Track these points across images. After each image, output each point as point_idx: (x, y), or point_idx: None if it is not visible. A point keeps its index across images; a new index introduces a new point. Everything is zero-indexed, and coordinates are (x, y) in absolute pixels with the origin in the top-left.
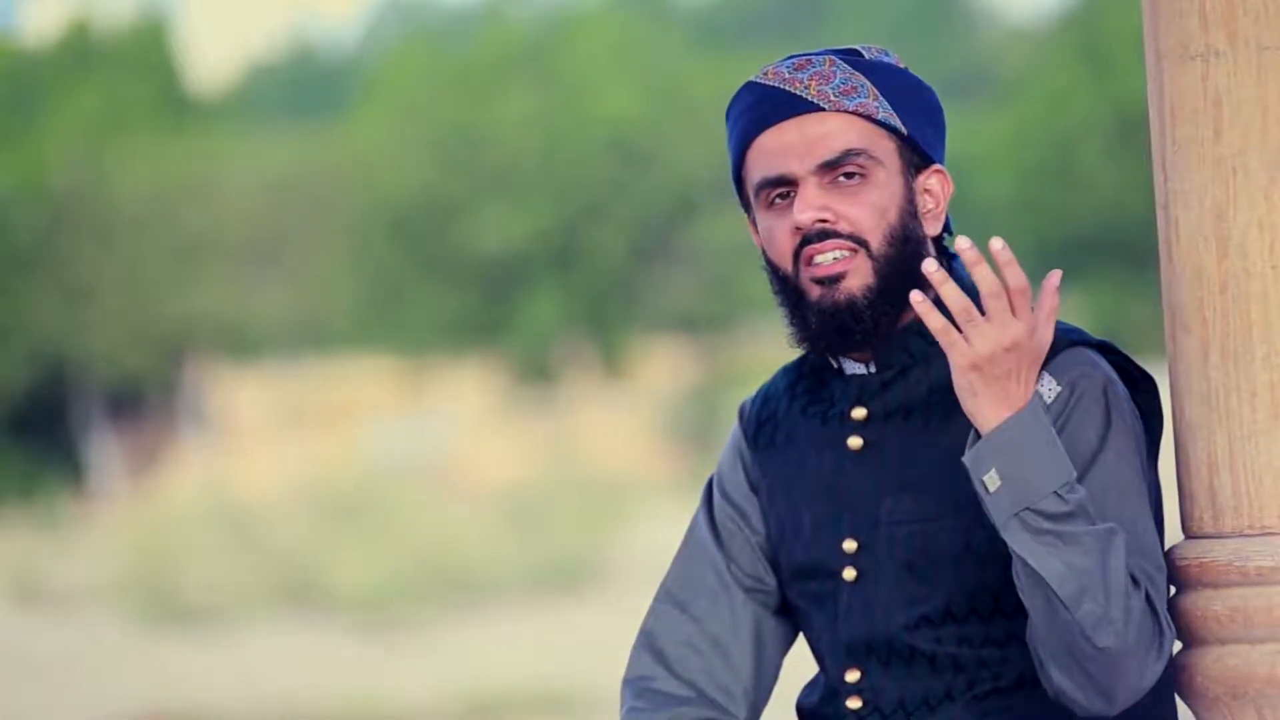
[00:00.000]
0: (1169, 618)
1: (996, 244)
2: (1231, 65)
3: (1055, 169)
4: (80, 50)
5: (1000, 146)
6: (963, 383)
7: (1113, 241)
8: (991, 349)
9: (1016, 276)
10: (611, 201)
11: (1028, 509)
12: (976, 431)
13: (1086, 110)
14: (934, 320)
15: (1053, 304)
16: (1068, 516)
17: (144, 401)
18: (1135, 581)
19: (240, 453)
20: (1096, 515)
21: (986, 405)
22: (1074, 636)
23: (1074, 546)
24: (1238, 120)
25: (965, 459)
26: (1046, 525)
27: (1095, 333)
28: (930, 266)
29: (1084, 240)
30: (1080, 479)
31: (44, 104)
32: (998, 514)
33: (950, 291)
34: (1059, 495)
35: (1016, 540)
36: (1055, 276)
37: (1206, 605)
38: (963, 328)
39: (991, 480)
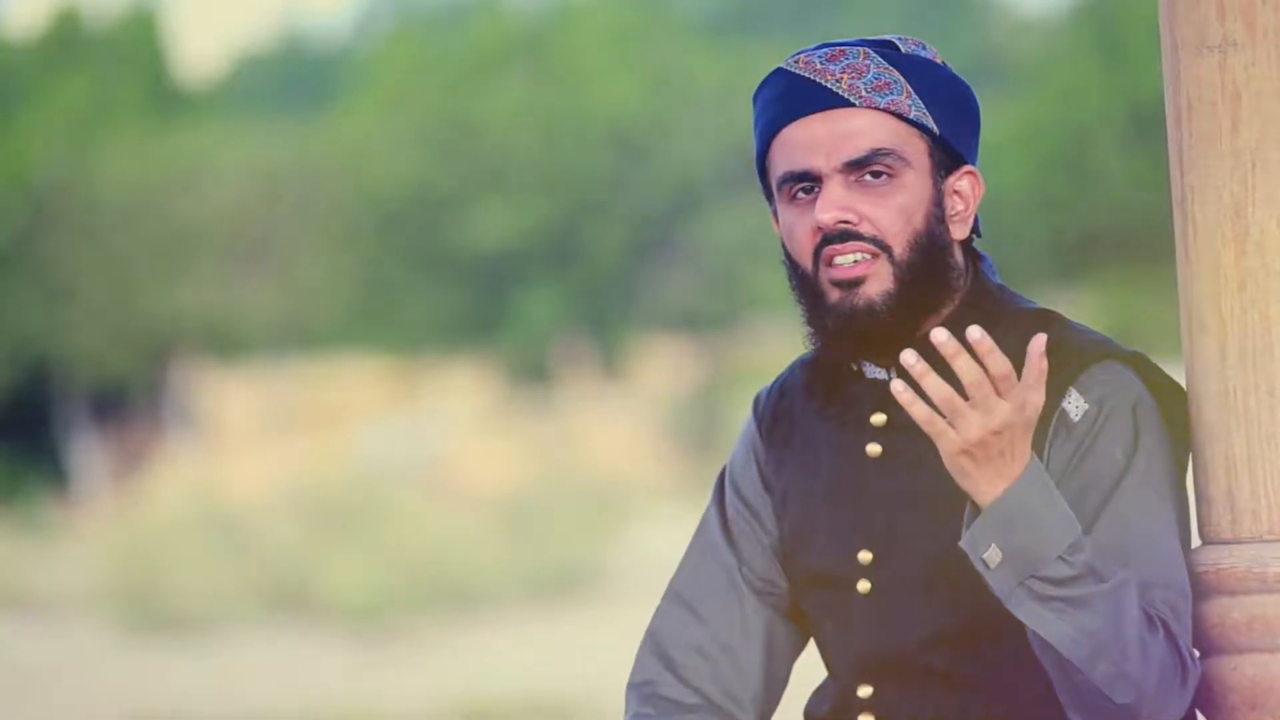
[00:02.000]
0: (1192, 650)
1: (975, 333)
2: (1250, 56)
3: (1068, 163)
4: (66, 41)
5: (1012, 139)
6: (954, 467)
7: (1127, 237)
8: (980, 435)
9: (998, 364)
10: (610, 197)
11: (1032, 576)
12: (973, 505)
13: (1100, 103)
14: (918, 411)
15: (1040, 368)
16: (1074, 580)
17: (129, 403)
18: (1153, 621)
19: (228, 455)
20: (1118, 541)
21: (982, 483)
22: (1091, 695)
23: (1083, 610)
24: (1256, 113)
25: (963, 542)
26: (1053, 591)
27: (1107, 331)
28: (909, 359)
29: (1098, 235)
30: (1104, 503)
31: (28, 96)
32: (1000, 588)
33: (932, 383)
34: (1064, 559)
35: (1023, 610)
36: (1040, 341)
37: (1224, 613)
38: (948, 416)
39: (992, 557)
